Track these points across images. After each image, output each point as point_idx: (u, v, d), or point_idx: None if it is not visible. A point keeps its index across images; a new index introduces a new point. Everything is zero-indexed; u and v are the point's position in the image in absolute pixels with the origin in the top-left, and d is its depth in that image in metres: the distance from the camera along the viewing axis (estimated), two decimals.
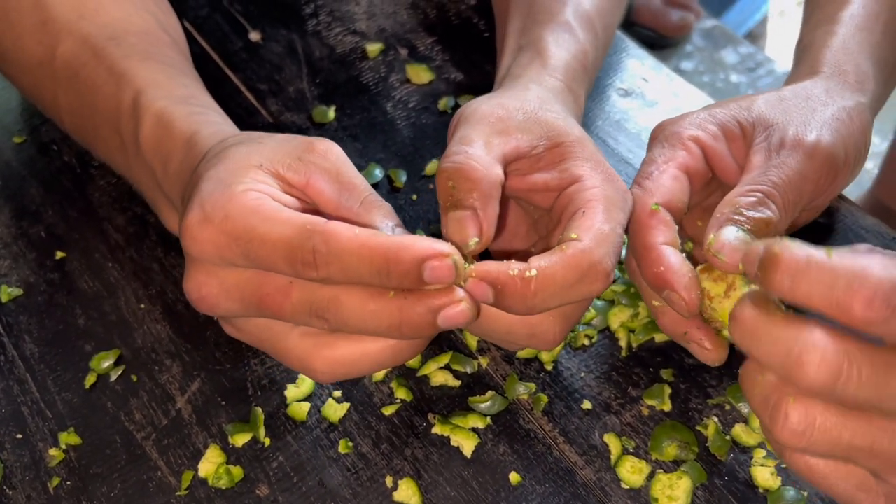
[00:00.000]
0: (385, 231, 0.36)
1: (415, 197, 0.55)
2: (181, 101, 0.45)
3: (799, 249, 0.27)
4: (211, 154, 0.40)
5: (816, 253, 0.27)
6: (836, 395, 0.27)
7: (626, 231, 0.40)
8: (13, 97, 0.63)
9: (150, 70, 0.47)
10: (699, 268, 0.39)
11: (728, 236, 0.37)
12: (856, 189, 0.89)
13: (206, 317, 0.49)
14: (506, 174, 0.40)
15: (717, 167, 0.43)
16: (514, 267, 0.36)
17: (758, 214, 0.38)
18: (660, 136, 0.43)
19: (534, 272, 0.36)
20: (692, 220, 0.45)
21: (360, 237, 0.33)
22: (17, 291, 0.52)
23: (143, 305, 0.51)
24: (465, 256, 0.37)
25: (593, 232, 0.37)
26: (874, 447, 0.28)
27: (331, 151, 0.39)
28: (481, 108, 0.42)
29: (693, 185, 0.42)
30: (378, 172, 0.56)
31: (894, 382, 0.27)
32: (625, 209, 0.40)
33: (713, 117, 0.43)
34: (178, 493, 0.43)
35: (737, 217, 0.37)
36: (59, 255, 0.53)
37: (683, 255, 0.39)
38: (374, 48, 0.64)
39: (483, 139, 0.40)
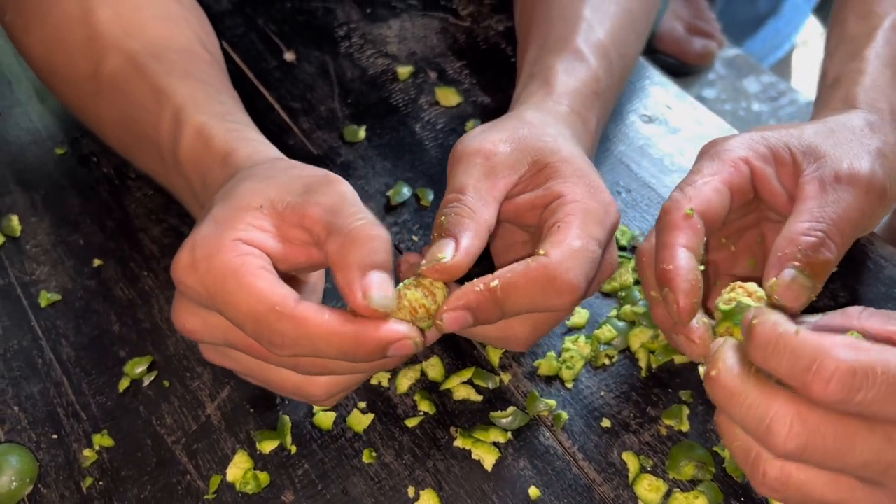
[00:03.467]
0: (354, 280, 0.36)
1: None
2: (219, 118, 0.47)
3: (771, 325, 0.30)
4: (229, 185, 0.41)
5: (787, 329, 0.30)
6: (805, 461, 0.30)
7: (656, 228, 0.42)
8: (55, 111, 0.65)
9: (189, 87, 0.49)
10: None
11: (793, 279, 0.38)
12: None
13: None
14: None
15: (763, 190, 0.44)
16: (478, 284, 0.38)
17: (819, 257, 0.39)
18: (710, 151, 0.44)
19: (496, 283, 0.38)
20: (718, 236, 0.46)
21: (328, 323, 0.36)
22: (55, 297, 0.54)
23: None
24: (421, 279, 0.39)
25: (562, 247, 0.39)
26: (843, 502, 0.31)
27: (333, 186, 0.39)
28: (472, 145, 0.44)
29: (733, 201, 0.43)
30: (406, 191, 0.57)
31: (857, 450, 0.30)
32: (604, 223, 0.41)
33: (765, 140, 0.44)
34: (206, 497, 0.45)
35: (797, 260, 0.38)
36: (97, 262, 0.55)
37: (699, 265, 0.40)
38: (404, 70, 0.65)
39: (473, 183, 0.42)
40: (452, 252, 0.39)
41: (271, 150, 0.46)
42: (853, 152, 0.43)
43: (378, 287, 0.36)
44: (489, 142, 0.43)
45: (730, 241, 0.46)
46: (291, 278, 0.42)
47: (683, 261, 0.39)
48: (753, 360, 0.31)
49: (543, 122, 0.45)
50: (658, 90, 0.64)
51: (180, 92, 0.48)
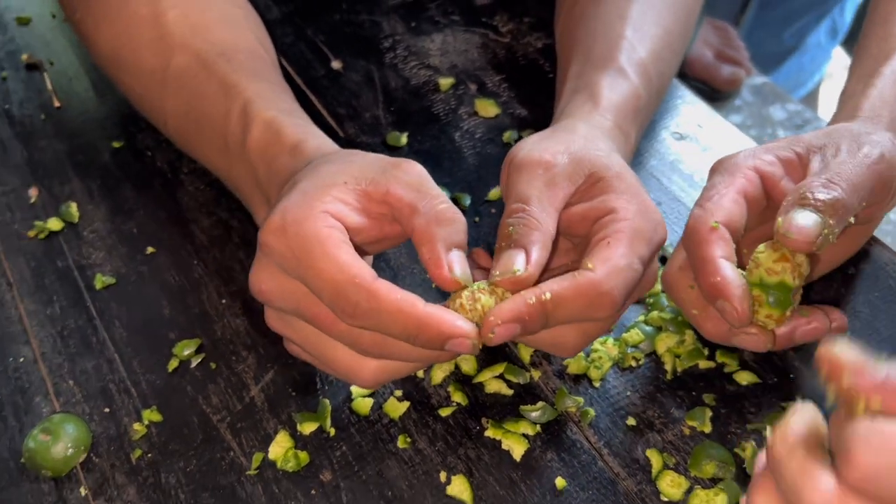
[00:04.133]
0: (441, 254, 0.40)
1: (477, 220, 0.59)
2: (287, 113, 0.50)
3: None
4: (309, 166, 0.44)
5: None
6: None
7: (685, 248, 0.44)
8: (112, 107, 0.69)
9: (257, 84, 0.52)
10: (764, 245, 0.42)
11: (797, 217, 0.40)
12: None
13: None
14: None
15: (775, 192, 0.46)
16: (530, 296, 0.40)
17: (827, 196, 0.41)
18: (719, 168, 0.46)
19: (548, 295, 0.40)
20: (740, 247, 0.48)
21: (399, 303, 0.38)
22: (109, 280, 0.57)
23: (224, 301, 0.55)
24: (495, 287, 0.42)
25: (609, 264, 0.41)
26: None
27: (413, 167, 0.43)
28: (532, 155, 0.46)
29: (750, 210, 0.45)
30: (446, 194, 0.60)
31: None
32: (652, 241, 0.43)
33: (768, 149, 0.46)
34: (249, 473, 0.47)
35: (804, 199, 0.41)
36: (150, 250, 0.58)
37: (739, 274, 0.42)
38: (445, 82, 0.68)
39: (536, 195, 0.44)
40: (524, 264, 0.41)
41: (335, 145, 0.49)
42: (851, 140, 0.45)
43: (459, 263, 0.40)
44: (548, 153, 0.46)
45: (750, 251, 0.48)
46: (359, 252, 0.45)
47: (728, 271, 0.42)
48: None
49: (594, 135, 0.48)
50: (690, 109, 0.66)
51: (250, 88, 0.52)
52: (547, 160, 0.45)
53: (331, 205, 0.41)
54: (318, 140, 0.48)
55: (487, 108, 0.66)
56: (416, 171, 0.43)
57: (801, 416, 0.31)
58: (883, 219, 0.51)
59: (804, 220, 0.40)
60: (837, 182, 0.42)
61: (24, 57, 0.73)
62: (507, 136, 0.64)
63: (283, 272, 0.41)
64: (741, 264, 0.45)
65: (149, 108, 0.59)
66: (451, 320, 0.39)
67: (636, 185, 0.45)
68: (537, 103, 0.67)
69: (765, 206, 0.47)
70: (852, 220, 0.43)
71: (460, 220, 0.42)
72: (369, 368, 0.42)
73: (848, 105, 0.51)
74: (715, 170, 0.47)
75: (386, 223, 0.43)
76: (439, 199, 0.42)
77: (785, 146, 0.47)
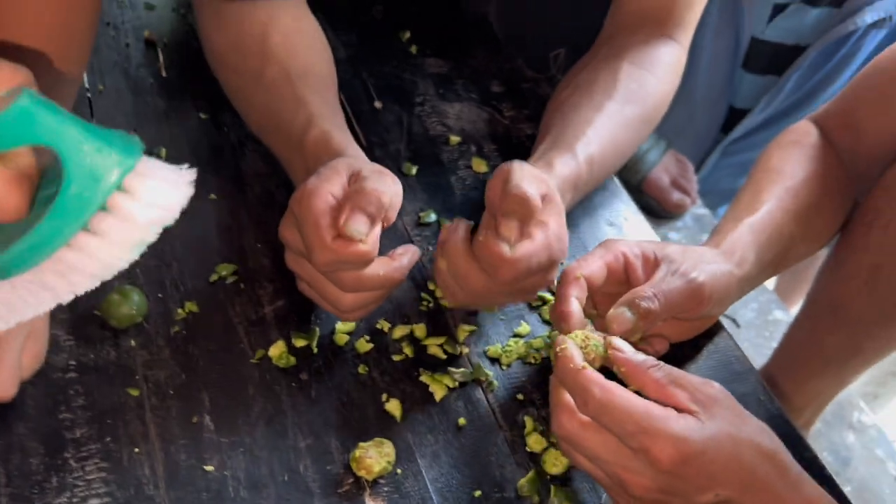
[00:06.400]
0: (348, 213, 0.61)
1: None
2: (337, 129, 0.72)
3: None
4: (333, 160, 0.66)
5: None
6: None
7: (559, 285, 0.65)
8: (206, 86, 0.90)
9: (321, 104, 0.74)
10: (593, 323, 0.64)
11: (621, 314, 0.62)
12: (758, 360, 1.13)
13: None
14: None
15: (631, 275, 0.67)
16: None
17: (646, 305, 0.62)
18: (604, 244, 0.68)
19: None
20: (594, 297, 0.67)
21: (352, 253, 0.61)
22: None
23: (258, 245, 0.76)
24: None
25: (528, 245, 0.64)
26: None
27: (391, 178, 0.64)
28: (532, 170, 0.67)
29: (609, 278, 0.66)
30: (433, 216, 0.82)
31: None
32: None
33: (639, 245, 0.68)
34: (251, 360, 0.67)
35: (632, 303, 0.62)
36: (212, 196, 0.79)
37: (582, 311, 0.63)
38: (454, 139, 0.91)
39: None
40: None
41: (365, 157, 0.70)
42: (692, 263, 0.66)
43: (355, 221, 0.60)
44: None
45: (601, 301, 0.68)
46: None
47: (575, 306, 0.63)
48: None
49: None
50: (622, 206, 0.89)
51: (314, 104, 0.73)
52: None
53: (331, 185, 0.62)
54: (354, 151, 0.70)
55: (480, 166, 0.89)
56: (388, 178, 0.64)
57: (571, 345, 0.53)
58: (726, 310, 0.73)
59: (623, 318, 0.62)
60: (659, 298, 0.63)
61: (146, 33, 0.94)
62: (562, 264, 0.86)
63: (298, 226, 0.62)
64: (593, 307, 0.66)
65: (240, 98, 0.80)
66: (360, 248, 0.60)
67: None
68: None
69: (622, 280, 0.67)
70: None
71: (382, 192, 0.61)
72: (347, 299, 0.63)
73: (715, 237, 0.73)
74: (601, 244, 0.68)
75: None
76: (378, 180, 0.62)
77: (652, 248, 0.67)
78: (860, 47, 1.16)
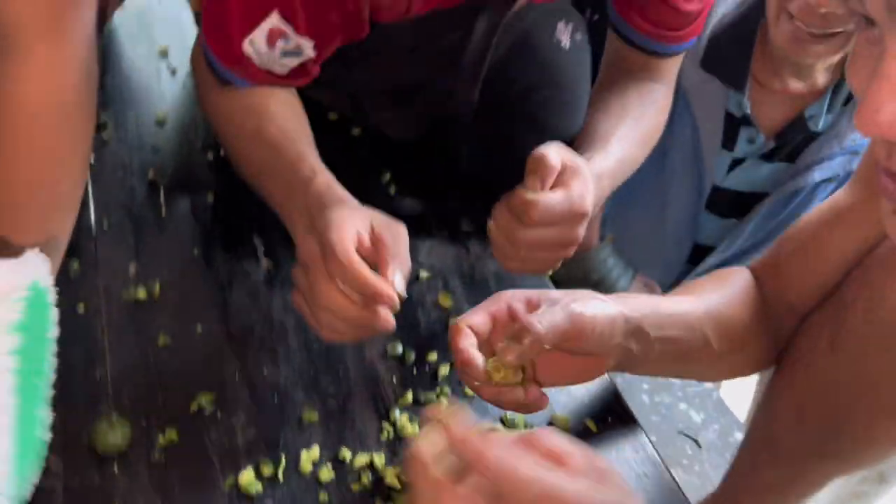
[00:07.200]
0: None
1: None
2: (334, 180, 0.80)
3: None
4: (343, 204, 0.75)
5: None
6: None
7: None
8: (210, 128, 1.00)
9: (316, 159, 0.83)
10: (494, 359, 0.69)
11: (506, 342, 0.67)
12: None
13: None
14: None
15: (516, 318, 0.70)
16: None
17: (524, 336, 0.66)
18: (493, 296, 0.73)
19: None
20: (493, 341, 0.71)
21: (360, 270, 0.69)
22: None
23: (237, 376, 0.84)
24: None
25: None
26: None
27: (399, 227, 0.74)
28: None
29: (496, 326, 0.69)
30: (399, 348, 0.90)
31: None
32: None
33: (524, 292, 0.72)
34: (223, 489, 0.74)
35: (517, 334, 0.66)
36: (198, 331, 0.87)
37: (479, 354, 0.69)
38: (424, 274, 1.00)
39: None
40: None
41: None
42: (575, 299, 0.67)
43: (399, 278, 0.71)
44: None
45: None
46: None
47: (472, 349, 0.68)
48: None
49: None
50: None
51: (311, 157, 0.83)
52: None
53: (352, 223, 0.70)
54: (351, 200, 0.78)
55: (445, 300, 0.97)
56: (400, 230, 0.73)
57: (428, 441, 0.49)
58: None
59: (510, 347, 0.66)
60: (542, 322, 0.65)
61: (150, 174, 1.06)
62: (453, 319, 0.95)
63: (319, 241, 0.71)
64: (490, 352, 0.71)
65: (236, 152, 0.89)
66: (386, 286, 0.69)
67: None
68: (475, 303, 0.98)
69: (510, 325, 0.71)
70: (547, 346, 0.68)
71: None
72: (321, 317, 0.71)
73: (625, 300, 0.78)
74: (490, 297, 0.73)
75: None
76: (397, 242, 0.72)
77: (536, 292, 0.72)
78: (814, 197, 1.25)
